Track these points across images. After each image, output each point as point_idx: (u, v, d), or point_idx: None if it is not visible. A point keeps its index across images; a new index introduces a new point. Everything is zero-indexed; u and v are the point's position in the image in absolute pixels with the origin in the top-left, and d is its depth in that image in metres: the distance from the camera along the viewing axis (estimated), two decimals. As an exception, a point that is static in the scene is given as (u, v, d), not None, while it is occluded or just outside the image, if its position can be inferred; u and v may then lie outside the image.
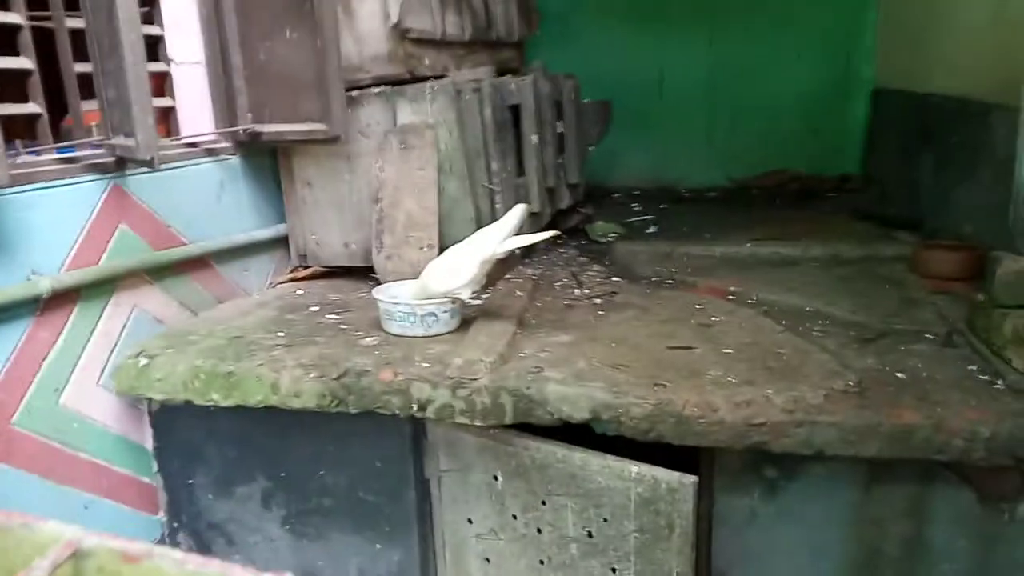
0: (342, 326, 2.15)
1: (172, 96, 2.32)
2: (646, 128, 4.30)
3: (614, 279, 2.59)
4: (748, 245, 2.81)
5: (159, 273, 2.18)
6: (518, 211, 2.02)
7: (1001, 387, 1.67)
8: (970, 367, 1.77)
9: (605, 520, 1.76)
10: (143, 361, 1.95)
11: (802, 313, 2.17)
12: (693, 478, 1.65)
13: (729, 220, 3.35)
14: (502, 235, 2.00)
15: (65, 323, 1.90)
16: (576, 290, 2.44)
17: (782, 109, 4.24)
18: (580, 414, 1.70)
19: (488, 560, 1.95)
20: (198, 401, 1.91)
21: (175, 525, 2.21)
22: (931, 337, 1.96)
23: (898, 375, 1.74)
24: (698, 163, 4.35)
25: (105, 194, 2.01)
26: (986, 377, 1.72)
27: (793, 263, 2.69)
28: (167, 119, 2.32)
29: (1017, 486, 1.63)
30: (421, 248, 2.40)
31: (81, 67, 2.00)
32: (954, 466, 1.62)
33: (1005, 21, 2.54)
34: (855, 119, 4.17)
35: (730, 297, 2.35)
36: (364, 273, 2.59)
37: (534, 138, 2.69)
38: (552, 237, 2.17)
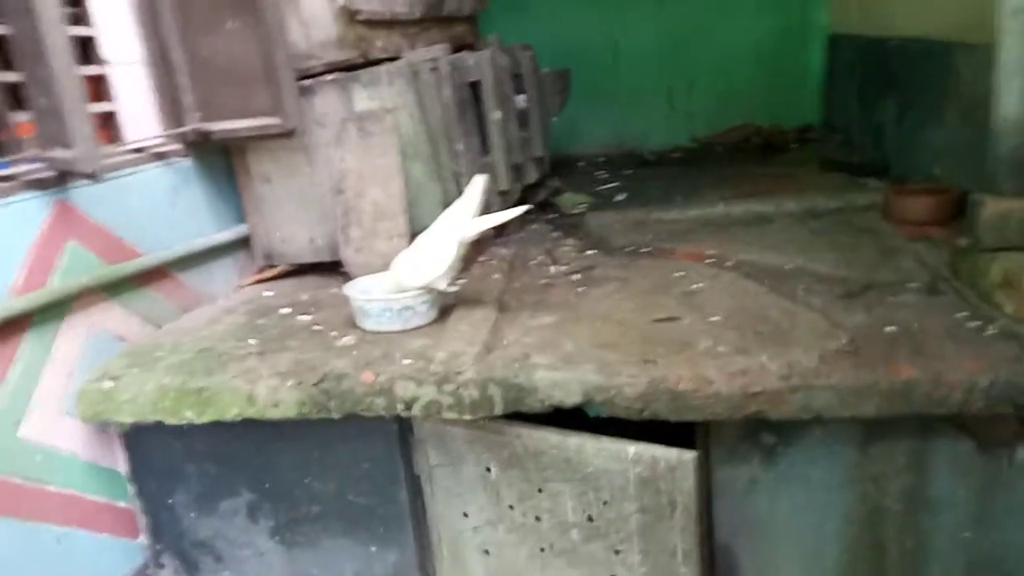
0: (316, 327, 2.07)
1: (112, 99, 2.19)
2: (605, 94, 4.24)
3: (589, 252, 2.53)
4: (721, 205, 2.77)
5: (116, 288, 2.07)
6: (479, 183, 1.94)
7: (993, 332, 1.65)
8: (959, 314, 1.75)
9: (605, 503, 1.72)
10: (107, 384, 1.85)
11: (784, 272, 2.14)
12: (693, 453, 1.61)
13: (697, 181, 3.31)
14: (471, 213, 1.92)
15: (17, 352, 1.80)
16: (553, 267, 2.38)
17: (738, 63, 4.20)
18: (572, 399, 1.64)
19: (487, 552, 1.90)
20: (170, 421, 1.82)
21: (158, 547, 2.12)
22: (915, 286, 1.94)
23: (888, 329, 1.71)
24: (659, 125, 4.31)
25: (49, 211, 1.89)
26: (976, 323, 1.70)
27: (767, 220, 2.66)
28: (109, 124, 2.19)
29: (1015, 431, 1.62)
30: (391, 238, 2.31)
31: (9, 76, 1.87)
32: (952, 416, 1.60)
33: (962, -42, 2.50)
34: (812, 68, 4.14)
35: (709, 261, 2.31)
36: (333, 268, 2.51)
37: (497, 114, 2.61)
38: (523, 212, 2.08)
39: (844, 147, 3.68)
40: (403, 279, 1.95)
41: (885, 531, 1.74)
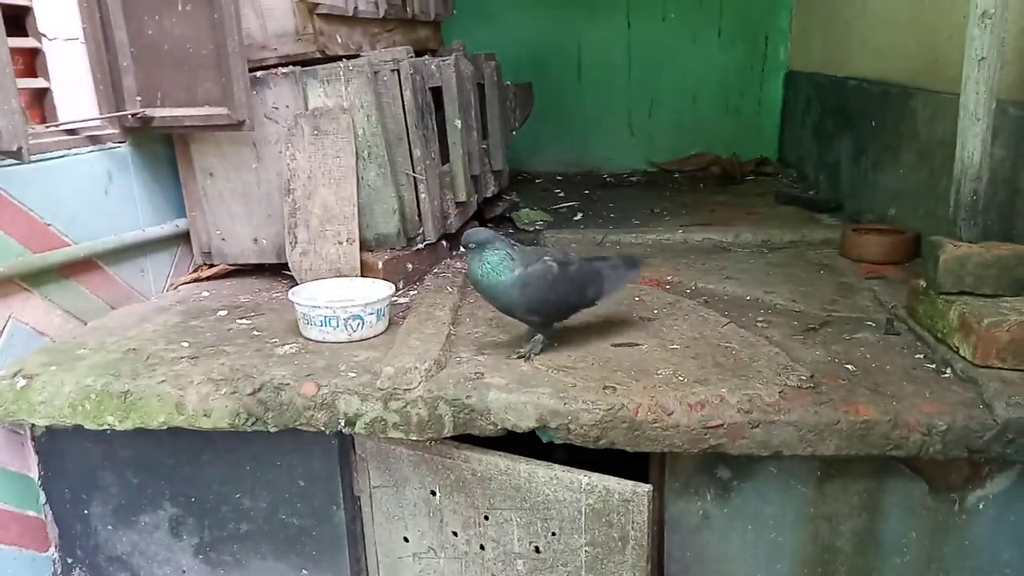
0: (255, 332, 1.95)
1: (46, 77, 2.03)
2: (565, 112, 4.21)
3: (546, 270, 2.47)
4: (679, 232, 2.75)
5: (38, 279, 1.91)
6: None
7: (949, 376, 1.64)
8: (916, 356, 1.74)
9: (553, 534, 1.64)
10: (21, 382, 1.70)
11: (743, 303, 2.11)
12: (647, 487, 1.55)
13: (655, 205, 3.31)
14: None
15: (-79, 343, 1.63)
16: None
17: (700, 92, 4.23)
18: (526, 423, 1.57)
19: (426, 580, 1.80)
20: (90, 425, 1.68)
21: (69, 561, 1.97)
22: (872, 324, 1.93)
23: (848, 367, 1.69)
24: (619, 147, 4.30)
25: (-34, 189, 1.73)
26: (933, 366, 1.69)
27: (725, 250, 2.64)
28: (41, 103, 2.03)
29: (966, 476, 1.61)
30: (340, 243, 2.20)
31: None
32: (906, 459, 1.58)
33: (924, 4, 2.54)
34: (771, 103, 4.19)
35: (667, 287, 2.27)
36: (276, 271, 2.38)
37: (458, 122, 2.53)
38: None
39: (798, 182, 3.72)
40: None
41: (836, 572, 1.71)
